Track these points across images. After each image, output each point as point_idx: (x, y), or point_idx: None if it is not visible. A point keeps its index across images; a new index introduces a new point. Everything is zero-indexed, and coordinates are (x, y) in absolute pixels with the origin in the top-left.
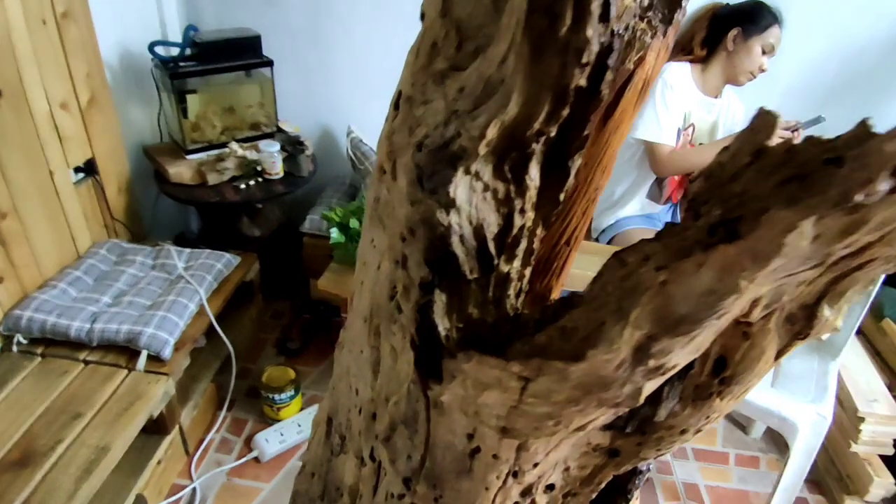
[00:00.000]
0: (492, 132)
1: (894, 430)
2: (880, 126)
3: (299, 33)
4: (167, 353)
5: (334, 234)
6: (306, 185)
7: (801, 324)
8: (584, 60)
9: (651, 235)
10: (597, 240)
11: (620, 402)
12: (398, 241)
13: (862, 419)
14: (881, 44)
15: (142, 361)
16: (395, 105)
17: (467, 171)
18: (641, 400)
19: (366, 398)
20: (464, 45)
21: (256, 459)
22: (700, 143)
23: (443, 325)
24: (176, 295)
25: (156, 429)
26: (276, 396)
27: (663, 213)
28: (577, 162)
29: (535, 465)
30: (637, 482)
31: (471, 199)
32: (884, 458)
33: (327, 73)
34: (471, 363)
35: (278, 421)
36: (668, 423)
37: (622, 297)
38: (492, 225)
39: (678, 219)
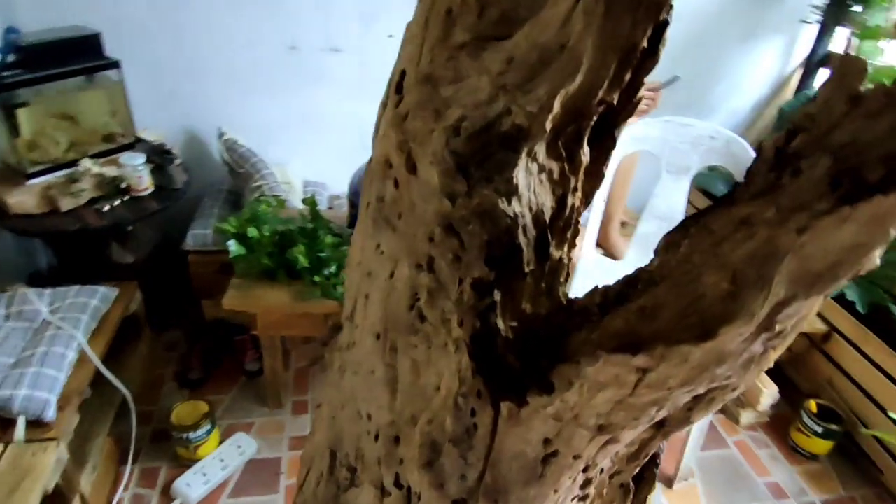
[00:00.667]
0: (556, 104)
1: None
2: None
3: (147, 28)
4: (50, 414)
5: (233, 246)
6: (181, 199)
7: None
8: (661, 17)
9: None
10: None
11: (732, 375)
12: (423, 242)
13: None
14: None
15: (20, 430)
16: (398, 88)
17: (529, 153)
18: (752, 369)
19: (383, 422)
20: (486, 12)
21: None
22: None
23: (503, 326)
24: (47, 345)
25: None
26: (191, 435)
27: None
28: (622, 131)
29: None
30: (662, 445)
31: (529, 184)
32: (768, 372)
33: (186, 71)
34: (597, 365)
35: (197, 461)
36: (723, 383)
37: (756, 265)
38: (548, 209)
39: None
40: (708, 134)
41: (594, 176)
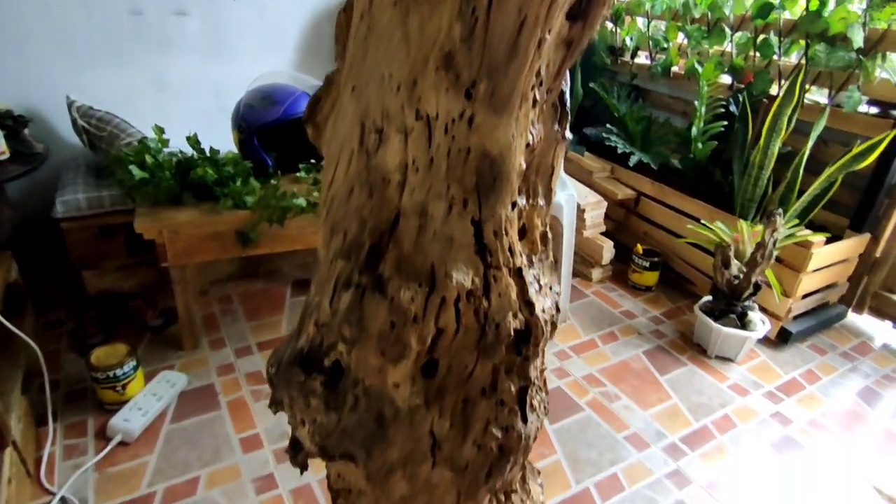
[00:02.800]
0: None
1: (601, 210)
2: None
3: None
4: None
5: (135, 171)
6: (44, 163)
7: None
8: None
9: None
10: None
11: None
12: None
13: (584, 210)
14: None
15: None
16: None
17: None
18: None
19: (403, 73)
20: None
21: (122, 444)
22: None
23: None
24: None
25: None
26: (118, 372)
27: None
28: None
29: (549, 33)
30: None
31: None
32: (603, 234)
33: (17, 41)
34: None
35: (127, 401)
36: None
37: None
38: None
39: None
40: None
41: None
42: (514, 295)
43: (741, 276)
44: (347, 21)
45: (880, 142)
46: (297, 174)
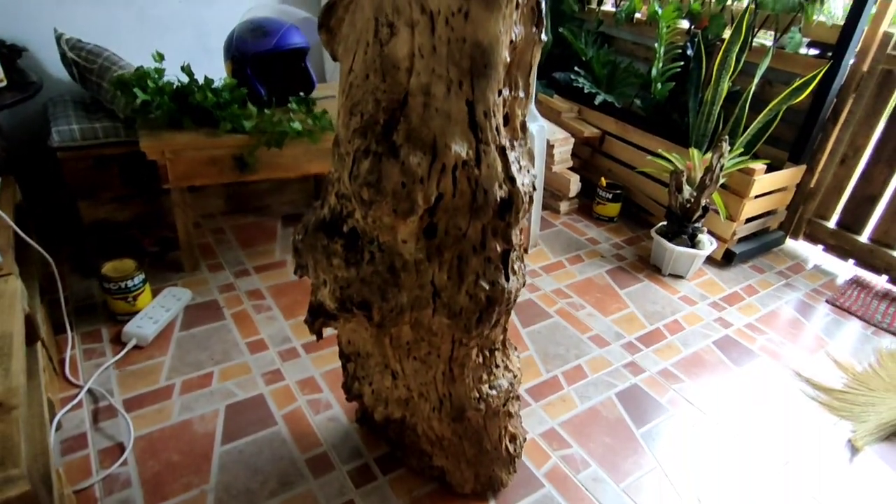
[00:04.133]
0: None
1: (569, 147)
2: None
3: None
4: None
5: (139, 93)
6: (39, 91)
7: None
8: None
9: None
10: None
11: None
12: None
13: (552, 146)
14: None
15: None
16: None
17: None
18: None
19: None
20: None
21: (137, 347)
22: None
23: None
24: None
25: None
26: (129, 283)
27: None
28: None
29: None
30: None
31: None
32: (570, 169)
33: None
34: None
35: (137, 312)
36: None
37: None
38: None
39: None
40: None
41: None
42: (499, 168)
43: (692, 199)
44: None
45: (814, 77)
46: (289, 105)
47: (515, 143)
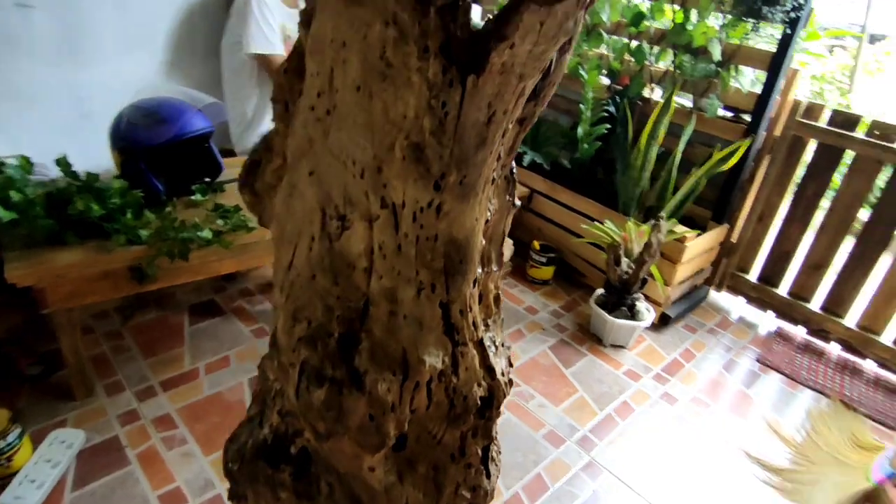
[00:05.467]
0: None
1: None
2: None
3: None
4: None
5: (2, 211)
6: None
7: None
8: None
9: None
10: None
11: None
12: (389, 3)
13: None
14: None
15: None
16: None
17: None
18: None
19: (367, 159)
20: None
21: None
22: None
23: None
24: None
25: None
26: (0, 442)
27: None
28: None
29: (512, 122)
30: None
31: None
32: None
33: None
34: (531, 11)
35: (14, 473)
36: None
37: None
38: None
39: None
40: None
41: None
42: (478, 364)
43: (630, 272)
44: (290, 83)
45: (739, 147)
46: (192, 197)
47: (490, 322)
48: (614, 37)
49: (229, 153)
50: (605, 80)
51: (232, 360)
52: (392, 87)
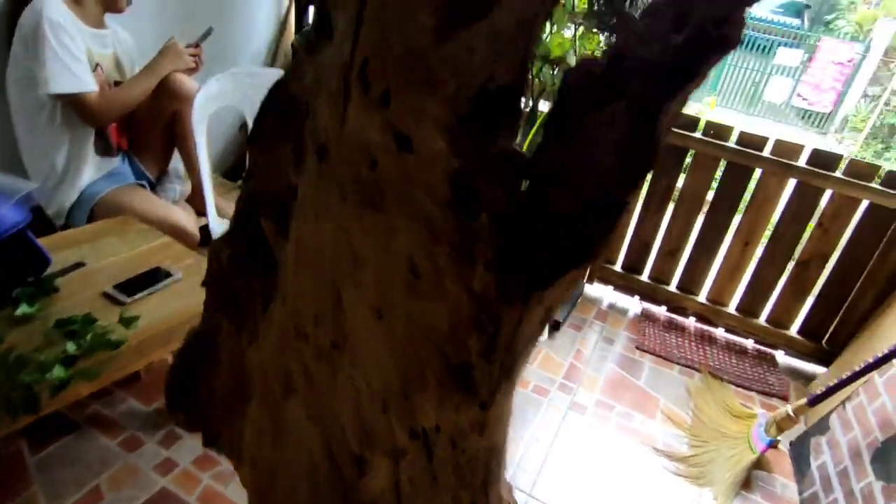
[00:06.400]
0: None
1: None
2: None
3: None
4: None
5: None
6: None
7: None
8: None
9: (128, 193)
10: (67, 226)
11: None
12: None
13: None
14: None
15: None
16: (361, 76)
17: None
18: None
19: (392, 385)
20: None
21: None
22: (116, 81)
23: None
24: None
25: None
26: None
27: (123, 165)
28: None
29: None
30: None
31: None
32: None
33: None
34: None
35: None
36: None
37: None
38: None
39: (138, 167)
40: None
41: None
42: None
43: None
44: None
45: None
46: (17, 311)
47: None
48: None
49: (39, 213)
50: None
51: (105, 491)
52: (424, 299)
